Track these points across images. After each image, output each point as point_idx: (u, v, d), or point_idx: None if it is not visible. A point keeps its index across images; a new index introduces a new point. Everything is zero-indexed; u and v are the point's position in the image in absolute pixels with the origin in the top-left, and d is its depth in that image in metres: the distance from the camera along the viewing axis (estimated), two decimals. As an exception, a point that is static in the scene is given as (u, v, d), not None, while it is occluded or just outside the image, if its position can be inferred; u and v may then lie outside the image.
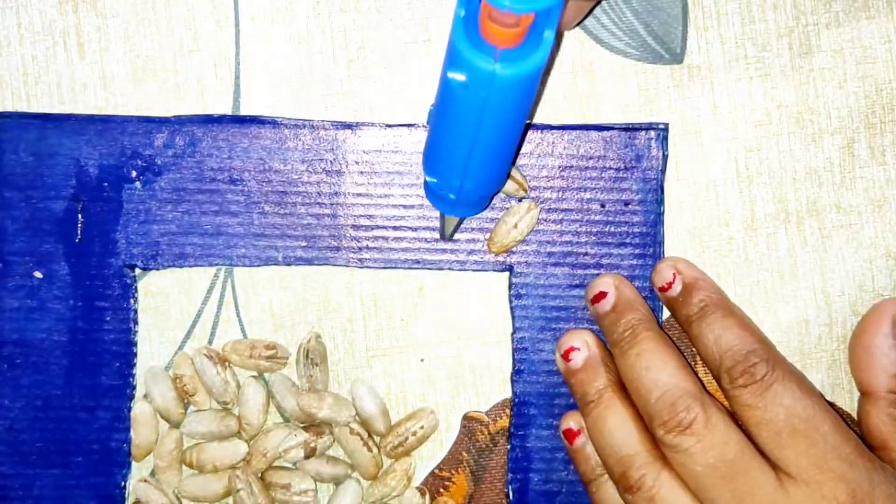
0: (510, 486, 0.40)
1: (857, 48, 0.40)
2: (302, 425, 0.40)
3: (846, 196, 0.40)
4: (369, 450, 0.39)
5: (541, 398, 0.40)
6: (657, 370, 0.37)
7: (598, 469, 0.38)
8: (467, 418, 0.40)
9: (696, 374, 0.38)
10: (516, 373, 0.40)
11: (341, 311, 0.40)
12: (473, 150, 0.33)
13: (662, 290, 0.39)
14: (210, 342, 0.40)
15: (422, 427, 0.40)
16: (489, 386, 0.40)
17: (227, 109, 0.40)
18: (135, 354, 0.40)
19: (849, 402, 0.40)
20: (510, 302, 0.40)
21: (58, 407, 0.40)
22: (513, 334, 0.40)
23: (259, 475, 0.40)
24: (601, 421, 0.37)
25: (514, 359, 0.40)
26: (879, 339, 0.38)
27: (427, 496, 0.40)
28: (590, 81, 0.40)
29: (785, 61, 0.40)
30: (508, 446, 0.40)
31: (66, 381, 0.40)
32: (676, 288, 0.38)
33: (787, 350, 0.40)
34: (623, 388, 0.38)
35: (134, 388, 0.40)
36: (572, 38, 0.40)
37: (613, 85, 0.40)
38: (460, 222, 0.39)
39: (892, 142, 0.40)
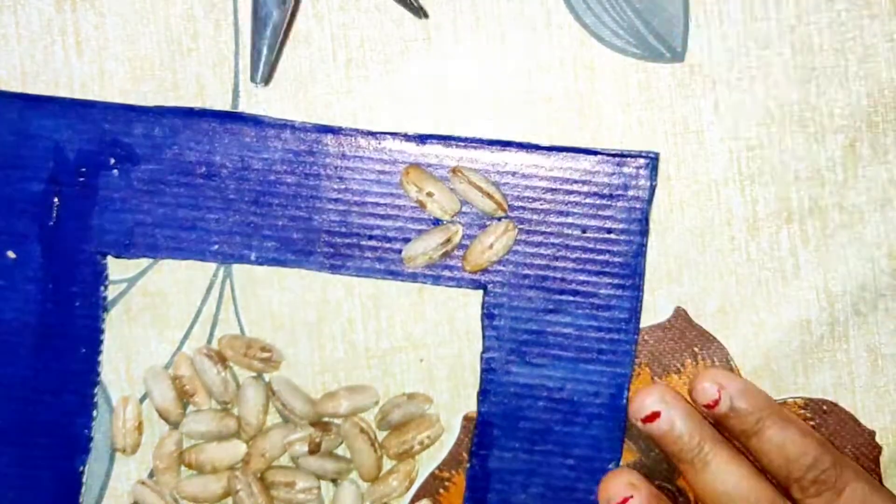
0: None
1: (860, 47, 0.40)
2: (303, 422, 0.40)
3: (849, 195, 0.40)
4: (375, 451, 0.39)
5: (505, 420, 0.39)
6: (735, 484, 0.37)
7: None
8: (467, 419, 0.40)
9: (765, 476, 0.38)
10: (483, 392, 0.40)
11: (341, 312, 0.40)
12: None
13: (708, 406, 0.38)
14: (209, 342, 0.40)
15: (428, 437, 0.40)
16: (489, 386, 0.40)
17: (226, 108, 0.40)
18: (101, 342, 0.40)
19: (850, 402, 0.40)
20: (482, 321, 0.40)
21: (22, 388, 0.40)
22: (482, 353, 0.40)
23: (259, 475, 0.40)
24: None
25: (481, 378, 0.40)
26: None
27: None
28: (590, 80, 0.40)
29: (787, 60, 0.40)
30: (468, 465, 0.40)
31: (32, 363, 0.40)
32: (724, 405, 0.37)
33: (789, 350, 0.40)
34: None
35: (98, 374, 0.40)
36: (572, 36, 0.40)
37: (614, 83, 0.40)
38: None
39: (895, 141, 0.40)
